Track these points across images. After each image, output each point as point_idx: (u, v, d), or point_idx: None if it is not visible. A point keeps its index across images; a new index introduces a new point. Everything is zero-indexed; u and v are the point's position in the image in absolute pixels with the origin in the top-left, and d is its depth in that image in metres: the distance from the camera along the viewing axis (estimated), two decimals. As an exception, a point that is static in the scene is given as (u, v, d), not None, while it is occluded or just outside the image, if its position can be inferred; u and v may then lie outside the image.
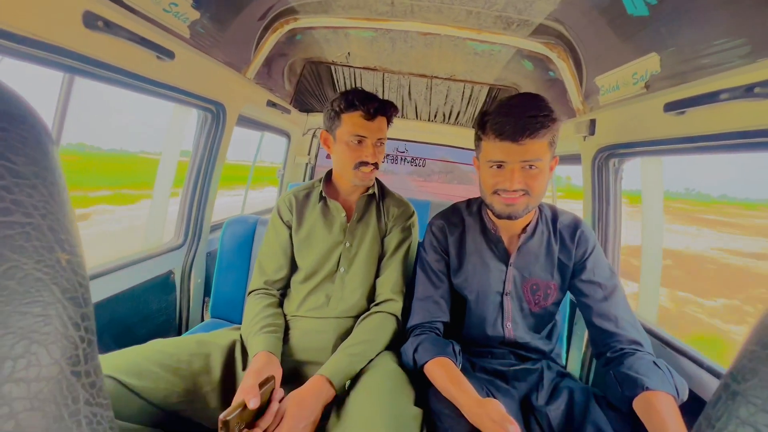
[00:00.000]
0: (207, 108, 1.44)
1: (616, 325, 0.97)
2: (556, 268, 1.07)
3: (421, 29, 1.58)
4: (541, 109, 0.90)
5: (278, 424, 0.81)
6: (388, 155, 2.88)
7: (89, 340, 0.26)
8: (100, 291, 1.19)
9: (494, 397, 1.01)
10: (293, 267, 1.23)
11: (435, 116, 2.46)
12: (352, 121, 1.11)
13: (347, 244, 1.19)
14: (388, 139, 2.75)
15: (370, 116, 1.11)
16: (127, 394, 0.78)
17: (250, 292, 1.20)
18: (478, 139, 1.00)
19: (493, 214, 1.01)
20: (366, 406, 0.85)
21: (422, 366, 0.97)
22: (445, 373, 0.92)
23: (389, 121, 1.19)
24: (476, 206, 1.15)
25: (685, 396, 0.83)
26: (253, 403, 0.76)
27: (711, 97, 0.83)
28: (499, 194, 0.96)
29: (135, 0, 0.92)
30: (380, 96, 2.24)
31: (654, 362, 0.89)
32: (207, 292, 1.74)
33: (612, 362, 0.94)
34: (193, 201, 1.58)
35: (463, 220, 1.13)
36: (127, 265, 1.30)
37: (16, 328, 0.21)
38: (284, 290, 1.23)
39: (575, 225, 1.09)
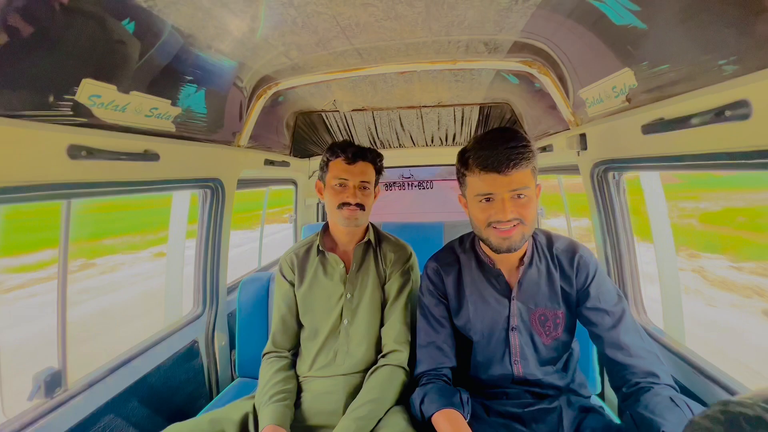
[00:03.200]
0: (205, 186, 1.53)
1: (629, 353, 0.93)
2: (560, 296, 1.03)
3: (396, 70, 1.60)
4: (519, 140, 0.91)
5: None
6: (395, 183, 2.91)
7: None
8: (130, 375, 1.27)
9: None
10: (302, 325, 1.26)
11: (432, 141, 2.46)
12: (335, 167, 1.21)
13: (348, 295, 1.21)
14: (393, 167, 2.73)
15: (350, 160, 1.19)
16: None
17: (263, 355, 1.24)
18: (462, 176, 1.00)
19: (491, 249, 0.98)
20: None
21: (429, 418, 0.96)
22: (449, 427, 0.90)
23: (376, 167, 1.25)
24: (469, 242, 1.13)
25: None
26: None
27: (683, 122, 0.78)
28: (494, 227, 0.94)
29: (115, 116, 1.01)
30: (374, 131, 2.27)
31: (672, 398, 0.83)
32: (233, 349, 1.81)
33: (629, 398, 0.89)
34: (206, 270, 1.66)
35: (458, 258, 1.11)
36: (153, 344, 1.39)
37: None
38: (296, 350, 1.27)
39: (573, 250, 1.05)
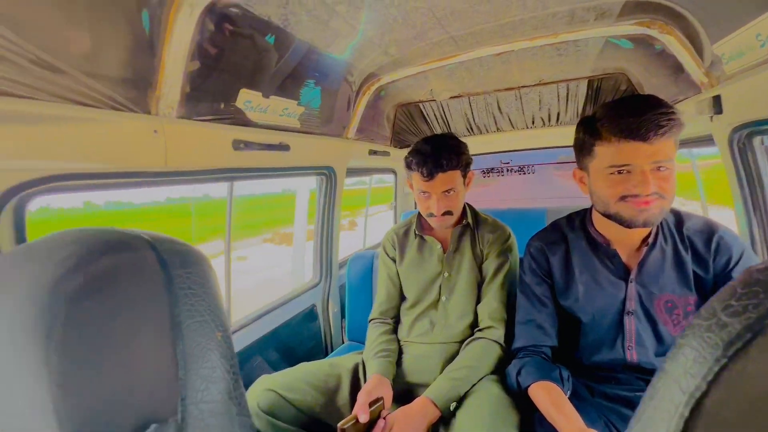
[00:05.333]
0: (321, 173, 1.80)
1: None
2: (692, 281, 0.94)
3: (492, 52, 1.62)
4: (664, 105, 0.83)
5: None
6: (492, 169, 2.86)
7: (236, 379, 0.48)
8: (265, 326, 1.61)
9: (618, 430, 0.94)
10: (403, 297, 1.41)
11: (533, 123, 2.35)
12: (415, 179, 1.23)
13: (446, 274, 1.30)
14: (491, 153, 2.68)
15: (426, 177, 1.17)
16: (285, 404, 1.08)
17: (370, 321, 1.43)
18: (588, 146, 0.92)
19: (622, 224, 0.89)
20: (468, 428, 0.95)
21: (526, 389, 0.99)
22: (547, 397, 0.92)
23: (460, 167, 1.21)
24: (579, 221, 1.09)
25: None
26: (363, 418, 0.95)
27: None
28: (626, 201, 0.86)
29: (260, 117, 1.30)
30: (470, 117, 2.28)
31: None
32: (344, 317, 2.09)
33: None
34: (322, 246, 1.95)
35: (566, 237, 1.08)
36: (282, 303, 1.72)
37: (202, 378, 0.44)
38: (398, 318, 1.42)
39: (710, 231, 0.94)
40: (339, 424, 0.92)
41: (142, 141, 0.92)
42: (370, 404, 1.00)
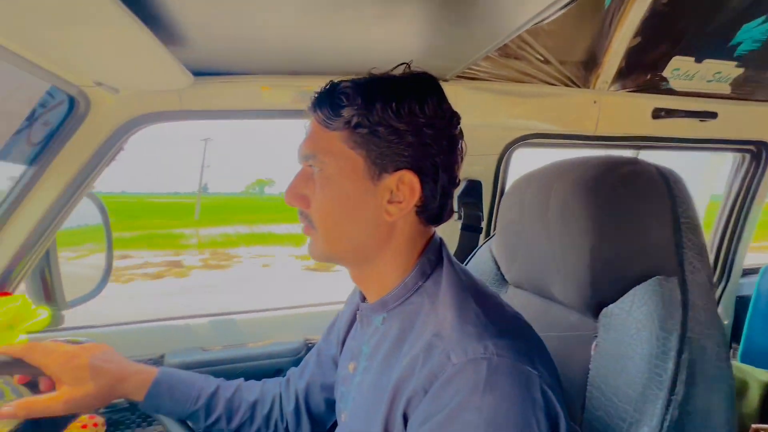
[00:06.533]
0: (746, 149, 1.47)
1: None
2: None
3: None
4: None
5: None
6: None
7: (707, 264, 0.57)
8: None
9: None
10: None
11: None
12: None
13: None
14: None
15: None
16: None
17: None
18: None
19: None
20: None
21: None
22: None
23: None
24: None
25: None
26: None
27: None
28: None
29: (685, 85, 1.25)
30: None
31: None
32: (734, 338, 1.65)
33: None
34: (723, 240, 1.61)
35: None
36: None
37: (690, 259, 0.57)
38: None
39: None
40: (753, 426, 0.84)
41: (583, 111, 1.17)
42: None
